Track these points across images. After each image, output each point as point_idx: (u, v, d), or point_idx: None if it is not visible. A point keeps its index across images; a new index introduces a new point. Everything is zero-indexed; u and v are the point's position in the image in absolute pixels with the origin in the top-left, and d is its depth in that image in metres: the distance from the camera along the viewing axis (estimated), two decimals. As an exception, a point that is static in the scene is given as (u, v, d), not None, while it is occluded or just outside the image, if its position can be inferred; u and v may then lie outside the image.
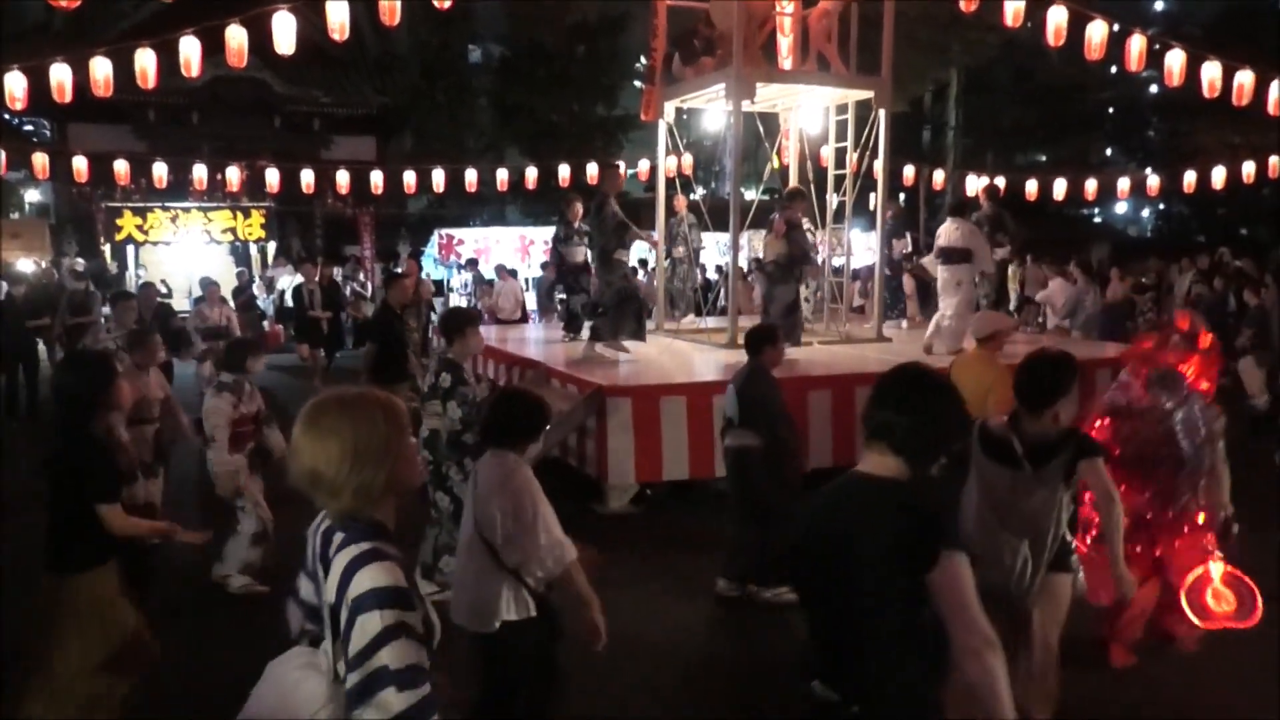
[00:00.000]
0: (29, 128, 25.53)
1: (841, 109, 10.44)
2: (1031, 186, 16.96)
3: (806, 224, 11.63)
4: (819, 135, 11.13)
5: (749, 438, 5.25)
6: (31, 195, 29.43)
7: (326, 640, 1.82)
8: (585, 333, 10.03)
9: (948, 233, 9.30)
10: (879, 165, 10.02)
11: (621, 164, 18.61)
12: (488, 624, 3.27)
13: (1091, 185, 17.04)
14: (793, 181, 10.95)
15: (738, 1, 9.00)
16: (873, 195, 11.09)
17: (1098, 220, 35.62)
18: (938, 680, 2.19)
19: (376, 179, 17.82)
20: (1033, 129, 28.81)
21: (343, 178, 17.60)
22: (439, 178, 17.53)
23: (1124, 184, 17.41)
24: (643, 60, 26.39)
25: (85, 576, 3.42)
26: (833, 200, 10.85)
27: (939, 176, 18.39)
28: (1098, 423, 4.54)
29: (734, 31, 9.00)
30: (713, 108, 11.05)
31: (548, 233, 21.11)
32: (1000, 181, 16.67)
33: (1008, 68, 27.80)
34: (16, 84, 10.37)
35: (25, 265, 17.67)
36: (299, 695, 1.77)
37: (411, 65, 26.05)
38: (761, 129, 10.84)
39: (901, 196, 25.84)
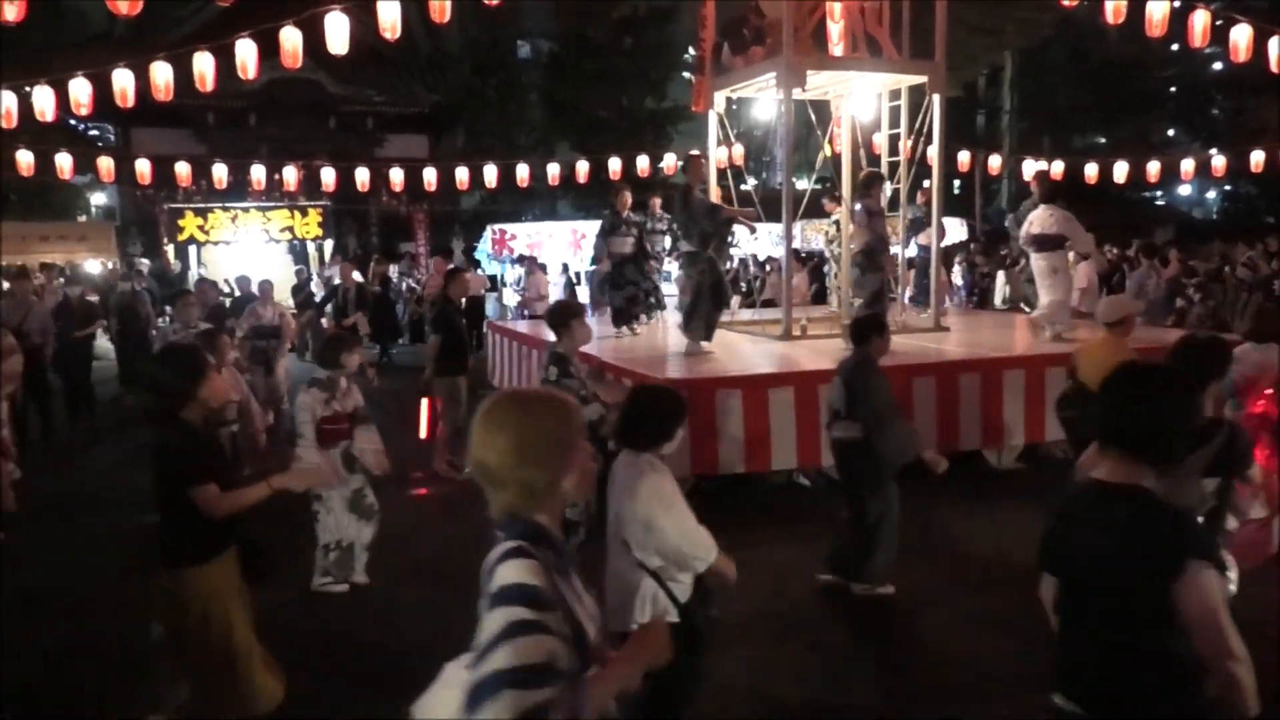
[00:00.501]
0: (94, 133, 26.22)
1: (894, 95, 10.30)
2: (1091, 170, 16.60)
3: (839, 212, 11.54)
4: (871, 122, 10.99)
5: (856, 430, 5.15)
6: (98, 198, 30.26)
7: None
8: (636, 326, 10.03)
9: (1041, 219, 9.13)
10: (933, 151, 9.87)
11: (672, 155, 18.75)
12: (625, 623, 3.18)
13: (1154, 167, 16.63)
14: (845, 170, 10.85)
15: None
16: (926, 182, 10.95)
17: (1161, 203, 34.74)
18: (1183, 696, 2.13)
19: (430, 176, 17.99)
20: (1091, 110, 28.20)
21: (397, 176, 17.82)
22: (491, 174, 17.66)
23: (1188, 165, 16.95)
24: (691, 51, 26.40)
25: (198, 570, 3.41)
26: (886, 188, 10.70)
27: (994, 161, 18.06)
28: (1268, 391, 4.44)
29: (783, 19, 8.93)
30: (763, 97, 10.97)
31: (598, 226, 21.29)
32: (1058, 166, 16.45)
33: (1063, 47, 27.23)
34: (81, 90, 10.68)
35: (93, 266, 18.15)
36: (450, 697, 1.75)
37: (462, 63, 26.31)
38: (814, 117, 10.74)
39: (956, 183, 25.55)
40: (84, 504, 7.54)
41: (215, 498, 3.37)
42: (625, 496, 3.25)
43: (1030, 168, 15.40)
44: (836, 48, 9.55)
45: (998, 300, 15.34)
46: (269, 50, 9.55)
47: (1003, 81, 26.24)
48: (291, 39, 9.28)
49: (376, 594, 5.53)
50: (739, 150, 12.45)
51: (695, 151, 9.80)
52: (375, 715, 3.78)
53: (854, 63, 9.70)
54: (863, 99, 10.69)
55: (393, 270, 19.18)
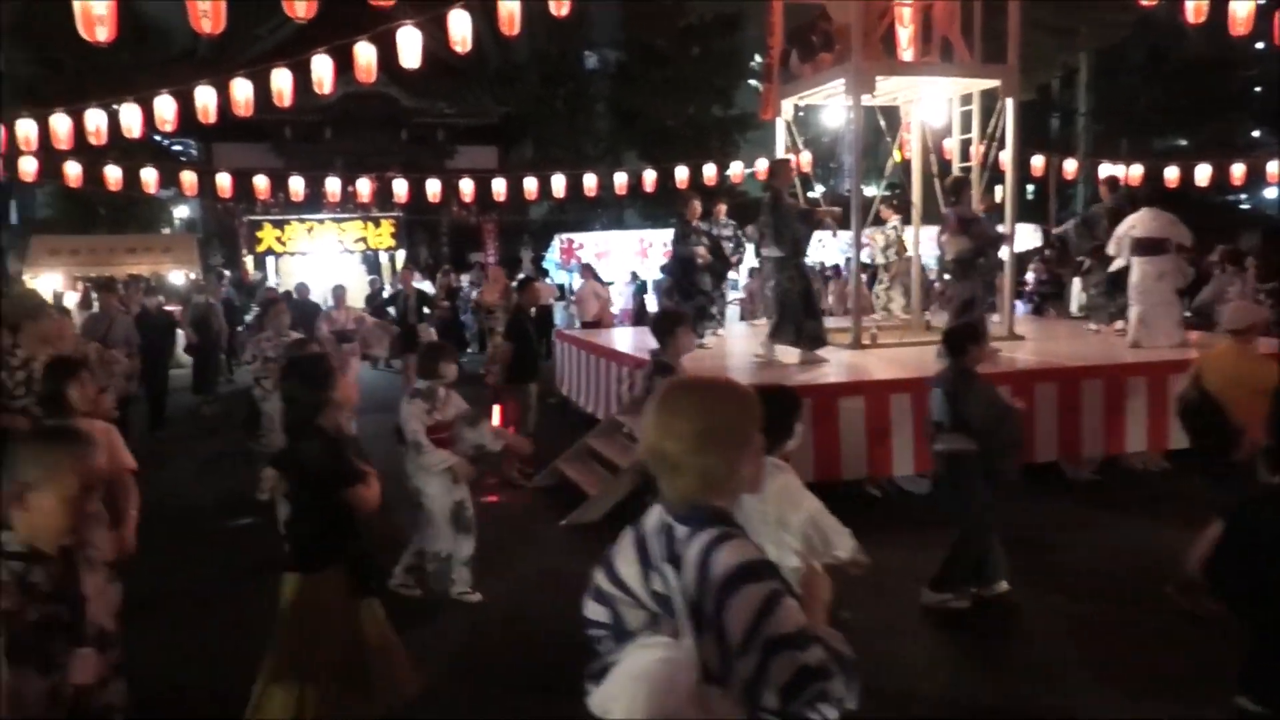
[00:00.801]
0: (178, 148, 27.11)
1: (966, 99, 10.15)
2: (1172, 173, 16.15)
3: (895, 220, 11.34)
4: (942, 127, 10.84)
5: (962, 441, 5.05)
6: (181, 211, 31.23)
7: (687, 638, 1.75)
8: (705, 337, 9.90)
9: (1144, 223, 8.86)
10: (1006, 156, 9.70)
11: (739, 163, 18.72)
12: None
13: (1238, 170, 16.12)
14: (915, 177, 10.71)
15: (856, -6, 8.85)
16: (998, 188, 10.74)
17: (1245, 207, 33.57)
18: None
19: (499, 187, 18.24)
20: (1170, 112, 27.37)
21: (467, 186, 18.10)
22: (559, 184, 17.83)
23: (1274, 167, 16.39)
24: (757, 58, 26.33)
25: (323, 575, 3.50)
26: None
27: (1070, 166, 17.66)
28: None
29: (852, 25, 8.86)
30: (831, 103, 10.89)
31: (667, 235, 21.31)
32: (1137, 169, 16.02)
33: (1141, 48, 26.53)
34: (166, 108, 11.06)
35: (177, 277, 18.74)
36: (676, 689, 1.70)
37: (531, 74, 26.62)
38: (883, 123, 10.63)
39: (1030, 188, 25.03)
40: (179, 511, 7.72)
41: (372, 495, 3.53)
42: (752, 499, 3.25)
43: (1107, 171, 15.04)
44: (906, 52, 9.45)
45: (1073, 308, 14.97)
46: (344, 65, 9.79)
47: (1078, 83, 25.63)
48: (366, 54, 9.50)
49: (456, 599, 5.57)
50: (806, 157, 12.36)
51: (785, 155, 9.69)
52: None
53: (924, 67, 9.59)
54: (933, 104, 10.55)
55: (462, 280, 19.44)
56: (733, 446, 1.82)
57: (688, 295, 9.97)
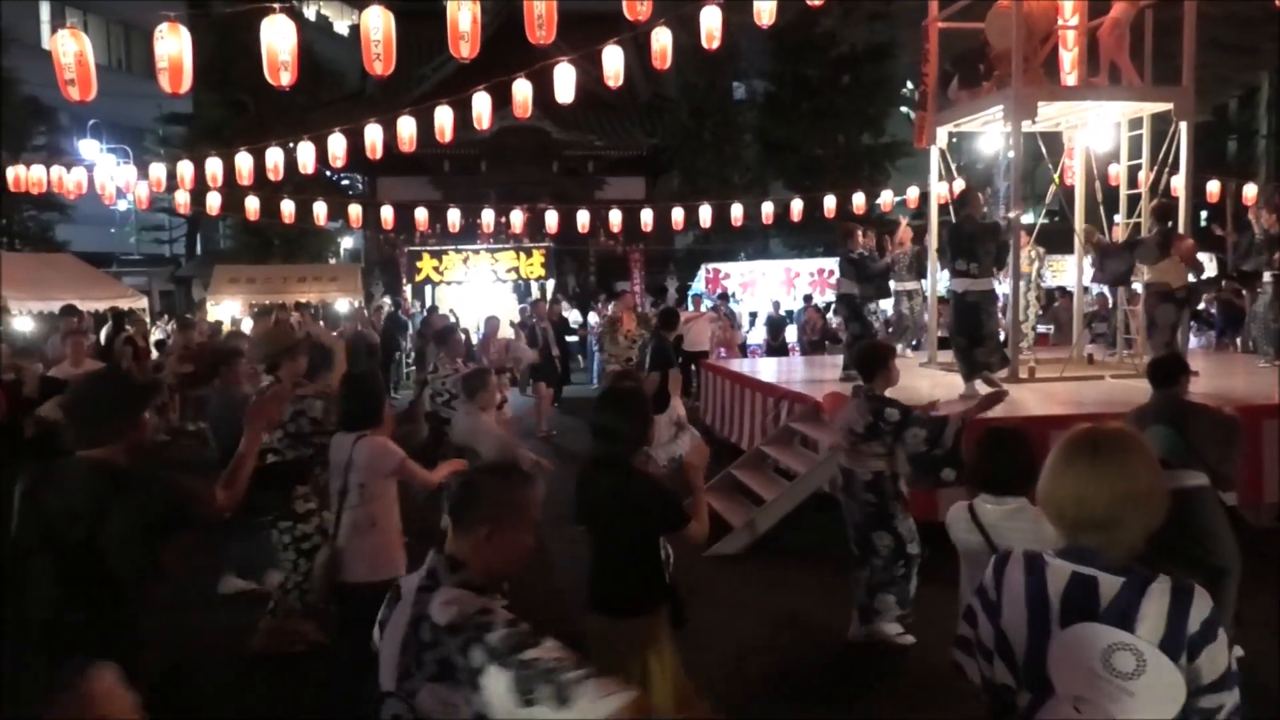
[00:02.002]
0: (345, 182, 28.71)
1: (1135, 123, 9.69)
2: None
3: (1035, 252, 10.82)
4: (1108, 153, 10.38)
5: (1196, 478, 4.66)
6: (346, 242, 32.99)
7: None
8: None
9: None
10: (1179, 182, 9.19)
11: (889, 192, 18.39)
12: None
13: None
14: (1078, 204, 10.28)
15: (1017, 18, 8.59)
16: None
17: None
18: None
19: (646, 217, 18.51)
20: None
21: (615, 217, 18.45)
22: (706, 214, 17.94)
23: None
24: (909, 85, 25.86)
25: (639, 621, 3.29)
26: (1123, 223, 10.04)
27: (1249, 191, 16.56)
28: None
29: (1013, 50, 8.60)
30: (989, 130, 10.58)
31: (813, 265, 21.12)
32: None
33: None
34: (338, 145, 11.74)
35: (341, 305, 19.75)
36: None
37: (680, 106, 26.94)
38: (1044, 149, 10.26)
39: (1203, 214, 23.62)
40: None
41: (700, 532, 3.35)
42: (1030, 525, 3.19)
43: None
44: (1069, 76, 9.11)
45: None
46: (501, 101, 10.17)
47: (1258, 103, 24.06)
48: (522, 90, 9.84)
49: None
50: (959, 185, 12.03)
51: (973, 188, 9.44)
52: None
53: (1090, 92, 9.21)
54: (1099, 129, 10.11)
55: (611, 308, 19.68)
56: (1155, 502, 1.90)
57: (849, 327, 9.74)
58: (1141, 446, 1.93)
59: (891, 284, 10.53)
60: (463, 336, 9.17)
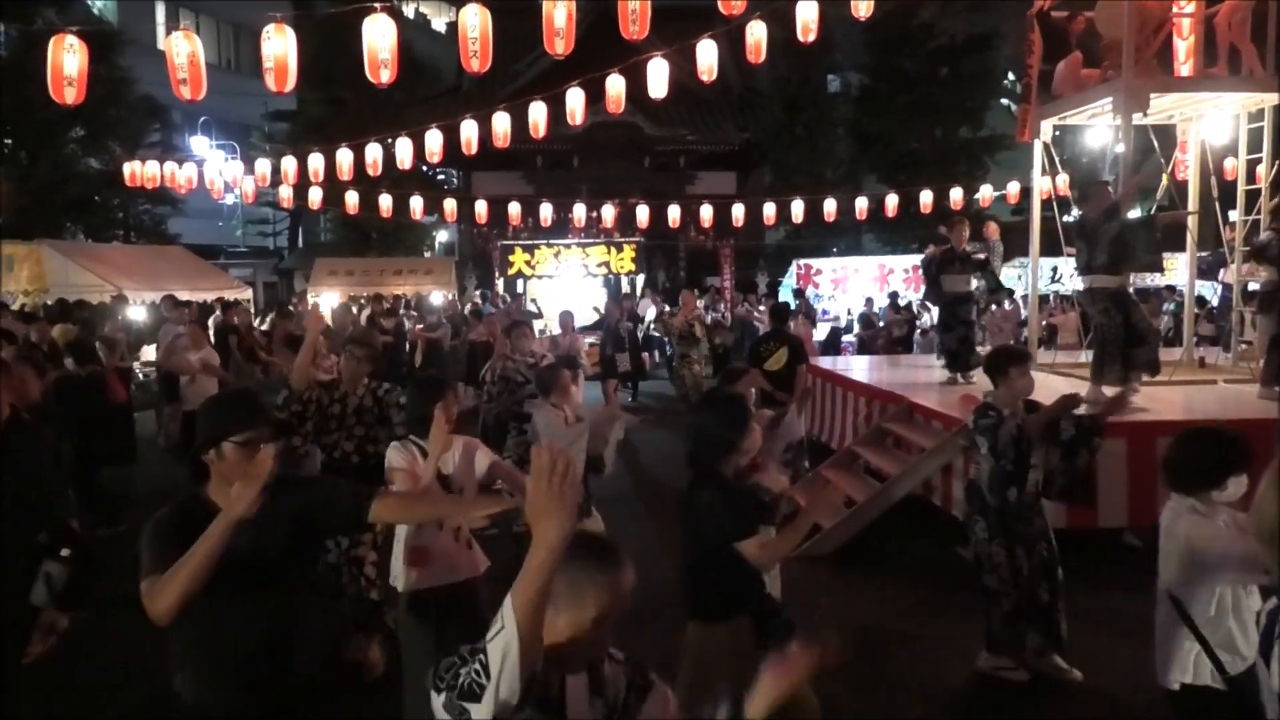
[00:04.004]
0: (441, 178, 29.24)
1: (1255, 115, 9.21)
2: None
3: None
4: (1224, 146, 9.89)
5: None
6: (440, 236, 33.61)
7: None
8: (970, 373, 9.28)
9: None
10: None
11: (988, 187, 17.90)
12: (1168, 680, 3.01)
13: None
14: (1192, 200, 9.82)
15: (1129, 6, 8.23)
16: (1232, 213, 9.65)
17: None
18: None
19: (737, 212, 18.39)
20: None
21: (705, 212, 18.37)
22: (797, 209, 17.74)
23: None
24: (1010, 77, 25.11)
25: (721, 626, 3.25)
26: (1239, 219, 9.55)
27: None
28: None
29: (1124, 39, 8.25)
30: (1096, 123, 10.20)
31: (906, 261, 20.71)
32: None
33: None
34: (434, 141, 11.94)
35: (436, 298, 20.11)
36: None
37: (773, 100, 26.67)
38: (1156, 143, 9.84)
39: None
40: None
41: (756, 550, 3.21)
42: (1166, 540, 3.04)
43: None
44: (1184, 66, 8.71)
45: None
46: (594, 96, 10.20)
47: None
48: (616, 86, 9.85)
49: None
50: (1063, 180, 11.59)
51: (1104, 179, 9.09)
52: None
53: (1207, 82, 8.77)
54: (1216, 121, 9.64)
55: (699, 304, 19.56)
56: None
57: (949, 327, 9.27)
58: None
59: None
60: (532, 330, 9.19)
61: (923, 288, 18.67)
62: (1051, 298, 16.95)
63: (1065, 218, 10.39)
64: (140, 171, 14.57)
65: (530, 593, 1.52)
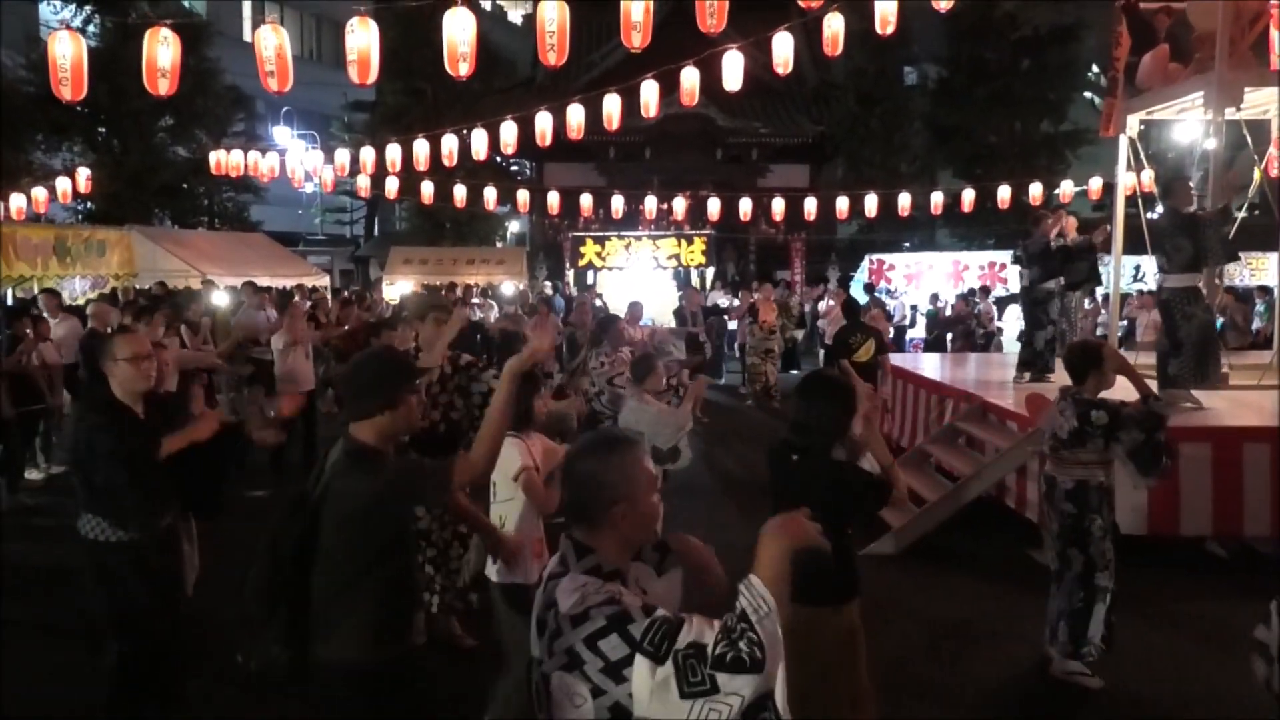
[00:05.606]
0: (514, 168, 29.50)
1: (1358, 110, 8.84)
2: None
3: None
4: (1322, 142, 9.50)
5: None
6: (512, 226, 33.93)
7: None
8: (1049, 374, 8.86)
9: None
10: None
11: (1069, 182, 17.44)
12: None
13: None
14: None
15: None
16: None
17: None
18: None
19: (809, 205, 18.22)
20: None
21: (777, 205, 18.24)
22: (871, 203, 17.52)
23: None
24: (1094, 70, 24.41)
25: (838, 609, 3.29)
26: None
27: None
28: None
29: (1218, 31, 7.99)
30: (1184, 118, 9.87)
31: (982, 257, 20.32)
32: None
33: None
34: (509, 132, 12.06)
35: (507, 288, 20.34)
36: None
37: (847, 92, 26.34)
38: (1249, 138, 9.49)
39: None
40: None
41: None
42: None
43: None
44: (1281, 59, 8.38)
45: None
46: (668, 88, 10.20)
47: None
48: (690, 78, 9.83)
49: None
50: (1148, 176, 11.25)
51: (1182, 177, 8.74)
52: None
53: (1306, 75, 8.44)
54: (1315, 116, 9.28)
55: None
56: None
57: (1039, 325, 8.97)
58: None
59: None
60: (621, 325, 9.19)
61: (998, 285, 18.43)
62: (1135, 295, 16.49)
63: (1149, 215, 10.10)
64: (225, 160, 15.00)
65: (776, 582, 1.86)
